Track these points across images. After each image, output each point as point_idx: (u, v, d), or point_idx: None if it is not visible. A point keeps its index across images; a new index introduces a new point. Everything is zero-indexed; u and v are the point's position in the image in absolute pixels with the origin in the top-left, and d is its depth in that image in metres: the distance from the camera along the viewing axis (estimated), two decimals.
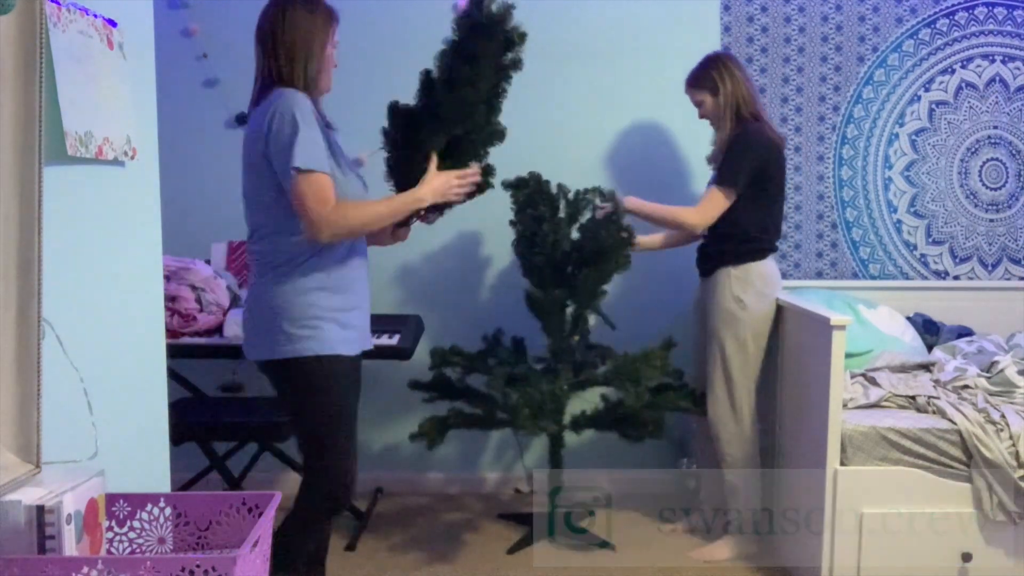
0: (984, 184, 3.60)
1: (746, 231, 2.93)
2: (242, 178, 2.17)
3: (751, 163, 2.88)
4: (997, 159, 3.59)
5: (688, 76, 3.04)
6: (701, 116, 3.05)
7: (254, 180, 2.11)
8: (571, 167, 3.35)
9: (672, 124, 3.52)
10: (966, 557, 2.62)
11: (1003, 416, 2.67)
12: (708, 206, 2.92)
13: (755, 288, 2.93)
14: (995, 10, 3.53)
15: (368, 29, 3.48)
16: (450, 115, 2.22)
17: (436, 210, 2.35)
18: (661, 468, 3.64)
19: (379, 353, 2.99)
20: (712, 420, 3.01)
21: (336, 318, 2.11)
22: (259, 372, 2.21)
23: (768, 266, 2.99)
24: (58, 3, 1.40)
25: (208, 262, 3.31)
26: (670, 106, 3.50)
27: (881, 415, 2.73)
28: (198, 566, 1.21)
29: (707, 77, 2.96)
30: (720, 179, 2.92)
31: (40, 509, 1.26)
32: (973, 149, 3.59)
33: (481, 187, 2.35)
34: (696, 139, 3.43)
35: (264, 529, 1.37)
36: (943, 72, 3.56)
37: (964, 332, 3.39)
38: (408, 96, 3.59)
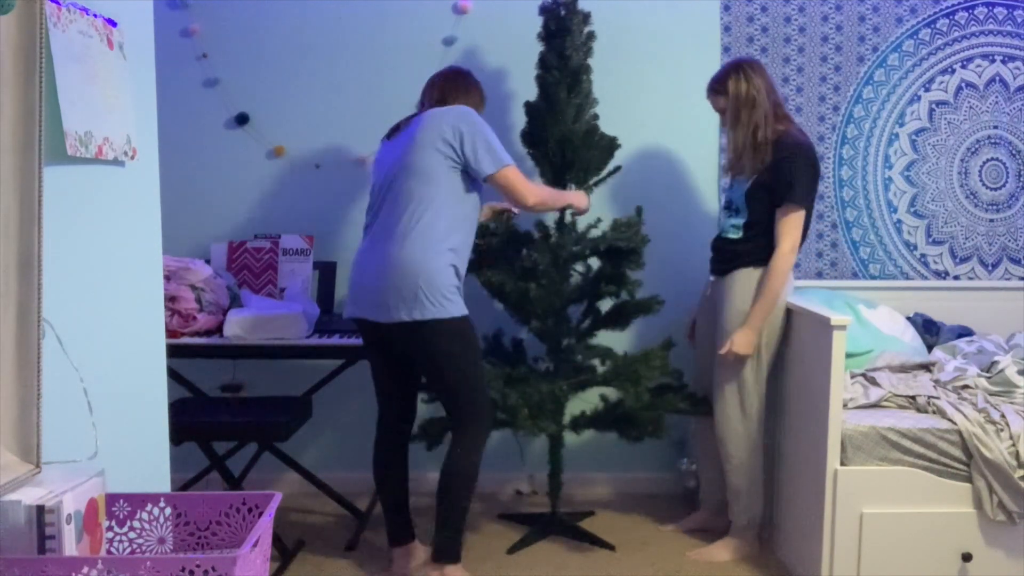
0: (984, 184, 3.60)
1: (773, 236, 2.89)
2: (419, 160, 2.62)
3: (810, 175, 2.84)
4: (997, 159, 3.59)
5: (711, 82, 2.99)
6: (728, 125, 2.98)
7: (436, 165, 2.62)
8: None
9: (672, 124, 3.52)
10: (966, 557, 2.63)
11: (1003, 416, 2.67)
12: (792, 231, 2.84)
13: None
14: (995, 10, 3.53)
15: (369, 30, 3.49)
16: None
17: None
18: (661, 468, 3.64)
19: None
20: (720, 421, 3.00)
21: (459, 288, 2.67)
22: (398, 334, 2.61)
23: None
24: (58, 3, 1.40)
25: (208, 262, 3.30)
26: (670, 106, 3.50)
27: (881, 415, 2.73)
28: (198, 566, 1.21)
29: (724, 83, 2.91)
30: (789, 200, 2.83)
31: (40, 509, 1.26)
32: (973, 149, 3.58)
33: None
34: (697, 140, 3.43)
35: (264, 529, 1.37)
36: (943, 72, 3.56)
37: (964, 332, 3.39)
38: (408, 96, 3.61)
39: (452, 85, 2.81)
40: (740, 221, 2.96)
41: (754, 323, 2.87)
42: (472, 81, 2.87)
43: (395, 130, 2.81)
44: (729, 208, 3.04)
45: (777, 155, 2.85)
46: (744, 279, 2.92)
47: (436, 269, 2.60)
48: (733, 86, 2.88)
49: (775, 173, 2.85)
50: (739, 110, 2.88)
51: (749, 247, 2.92)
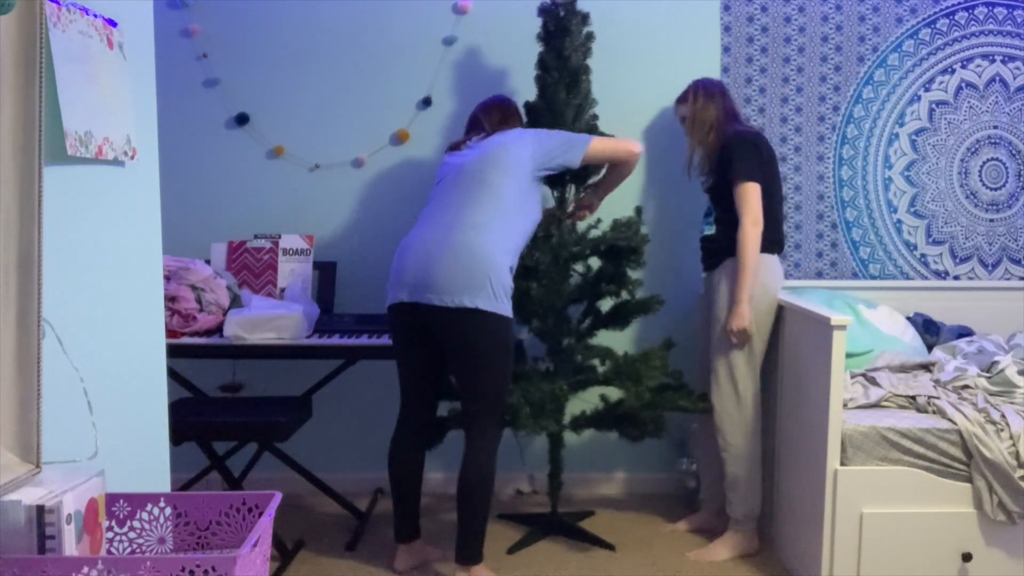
0: (984, 184, 3.60)
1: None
2: (506, 157, 2.78)
3: (747, 152, 2.97)
4: (997, 159, 3.59)
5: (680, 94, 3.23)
6: (687, 132, 3.20)
7: (520, 185, 2.79)
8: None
9: (672, 124, 3.52)
10: (966, 557, 2.63)
11: (1003, 416, 2.67)
12: (748, 205, 2.94)
13: (761, 279, 2.94)
14: (995, 10, 3.53)
15: (369, 30, 3.49)
16: None
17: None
18: (661, 468, 3.64)
19: (380, 352, 3.00)
20: (716, 410, 3.03)
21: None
22: (448, 322, 2.65)
23: (773, 260, 3.02)
24: (58, 3, 1.40)
25: (208, 262, 3.30)
26: (670, 106, 3.50)
27: (881, 415, 2.73)
28: (198, 566, 1.21)
29: (685, 100, 3.16)
30: (734, 178, 2.95)
31: (40, 509, 1.26)
32: (973, 149, 3.58)
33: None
34: None
35: (264, 529, 1.37)
36: (943, 72, 3.56)
37: (964, 332, 3.39)
38: (409, 96, 3.61)
39: (509, 113, 3.00)
40: (711, 218, 3.10)
41: (740, 297, 2.93)
42: (517, 117, 3.05)
43: (460, 144, 2.93)
44: (707, 213, 3.18)
45: (720, 150, 3.03)
46: (730, 268, 2.99)
47: (502, 265, 2.69)
48: (690, 104, 3.12)
49: (721, 164, 3.02)
50: (691, 124, 3.12)
51: (728, 240, 2.99)
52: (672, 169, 3.54)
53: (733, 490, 3.04)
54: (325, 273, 3.45)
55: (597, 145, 2.88)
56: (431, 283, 2.65)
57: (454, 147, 2.95)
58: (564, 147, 2.85)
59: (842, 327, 2.59)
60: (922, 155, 3.59)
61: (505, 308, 2.69)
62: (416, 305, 2.68)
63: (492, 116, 2.97)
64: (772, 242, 3.00)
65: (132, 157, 1.66)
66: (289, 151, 3.53)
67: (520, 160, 2.78)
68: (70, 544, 1.28)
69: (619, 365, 3.05)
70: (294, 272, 3.36)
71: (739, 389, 2.99)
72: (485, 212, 2.71)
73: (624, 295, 3.12)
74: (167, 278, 3.01)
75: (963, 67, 3.55)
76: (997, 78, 3.56)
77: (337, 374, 3.34)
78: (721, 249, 3.02)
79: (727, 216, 3.00)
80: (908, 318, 3.40)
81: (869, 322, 3.22)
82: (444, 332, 2.70)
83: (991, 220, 3.62)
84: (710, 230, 3.11)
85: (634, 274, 3.11)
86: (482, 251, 2.65)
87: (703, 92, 3.12)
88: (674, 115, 3.31)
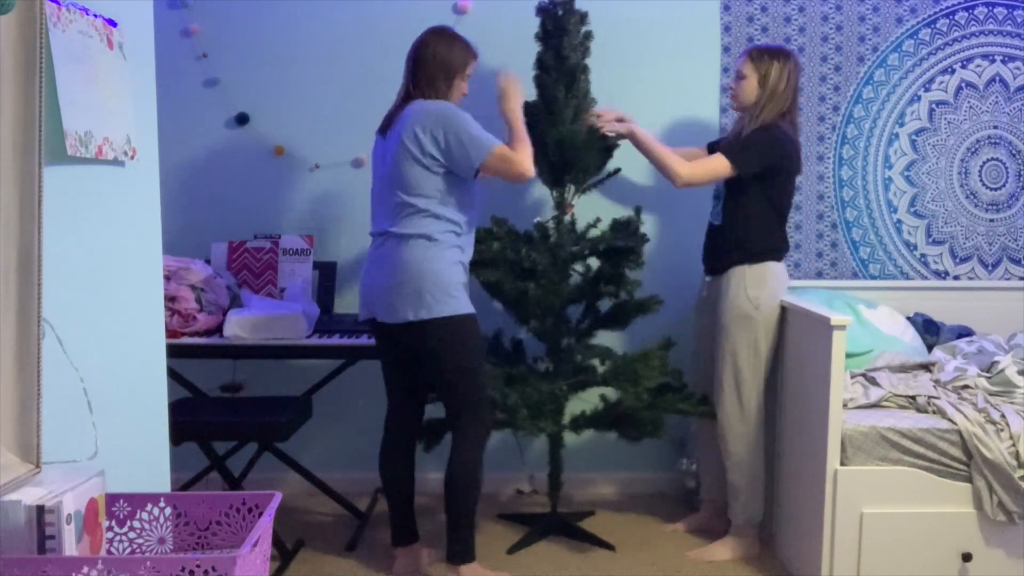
0: (984, 184, 3.60)
1: (765, 229, 2.95)
2: (403, 173, 2.63)
3: (766, 157, 2.88)
4: (997, 159, 3.59)
5: (755, 47, 2.98)
6: (733, 88, 3.00)
7: (420, 173, 2.62)
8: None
9: (671, 124, 3.52)
10: (966, 557, 2.63)
11: (1003, 416, 2.67)
12: (705, 167, 2.89)
13: (770, 288, 2.94)
14: (995, 10, 3.53)
15: (369, 30, 3.48)
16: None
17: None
18: (661, 468, 3.64)
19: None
20: (720, 418, 3.02)
21: (465, 286, 2.72)
22: (406, 334, 2.65)
23: (779, 267, 3.00)
24: (58, 3, 1.40)
25: (208, 262, 3.30)
26: (669, 106, 3.50)
27: (881, 415, 2.73)
28: (198, 566, 1.21)
29: (770, 63, 2.89)
30: (731, 153, 2.88)
31: (40, 509, 1.26)
32: (973, 149, 3.58)
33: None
34: (696, 140, 3.42)
35: (264, 529, 1.37)
36: (943, 72, 3.56)
37: (964, 332, 3.39)
38: None
39: (420, 60, 2.71)
40: (720, 205, 3.04)
41: (638, 133, 2.99)
42: (431, 47, 2.71)
43: (388, 124, 2.76)
44: (716, 196, 3.11)
45: (751, 132, 2.91)
46: (738, 277, 2.96)
47: (440, 268, 2.64)
48: (775, 71, 2.89)
49: None
50: (760, 91, 2.90)
51: (738, 245, 2.95)
52: None
53: (735, 497, 3.03)
54: (325, 273, 3.45)
55: (491, 162, 2.61)
56: (378, 302, 2.69)
57: (383, 126, 2.77)
58: (461, 159, 2.61)
59: (842, 327, 2.59)
60: (922, 155, 3.58)
61: (451, 307, 2.63)
62: (375, 321, 2.74)
63: (406, 75, 2.75)
64: (778, 249, 2.99)
65: (132, 157, 1.66)
66: (289, 151, 3.53)
67: (422, 174, 2.62)
68: (70, 544, 1.28)
69: (618, 365, 3.05)
70: (294, 272, 3.36)
71: (744, 400, 2.98)
72: (409, 220, 2.64)
73: (623, 295, 3.12)
74: (167, 278, 3.01)
75: (963, 67, 3.55)
76: (997, 78, 3.56)
77: (337, 374, 3.34)
78: (728, 251, 2.99)
79: (736, 208, 2.96)
80: (908, 318, 3.40)
81: (869, 322, 3.22)
82: (407, 344, 2.72)
83: (991, 220, 3.62)
84: (717, 219, 3.06)
85: (633, 274, 3.11)
86: (413, 262, 2.62)
87: (795, 67, 2.91)
88: (675, 115, 3.30)
